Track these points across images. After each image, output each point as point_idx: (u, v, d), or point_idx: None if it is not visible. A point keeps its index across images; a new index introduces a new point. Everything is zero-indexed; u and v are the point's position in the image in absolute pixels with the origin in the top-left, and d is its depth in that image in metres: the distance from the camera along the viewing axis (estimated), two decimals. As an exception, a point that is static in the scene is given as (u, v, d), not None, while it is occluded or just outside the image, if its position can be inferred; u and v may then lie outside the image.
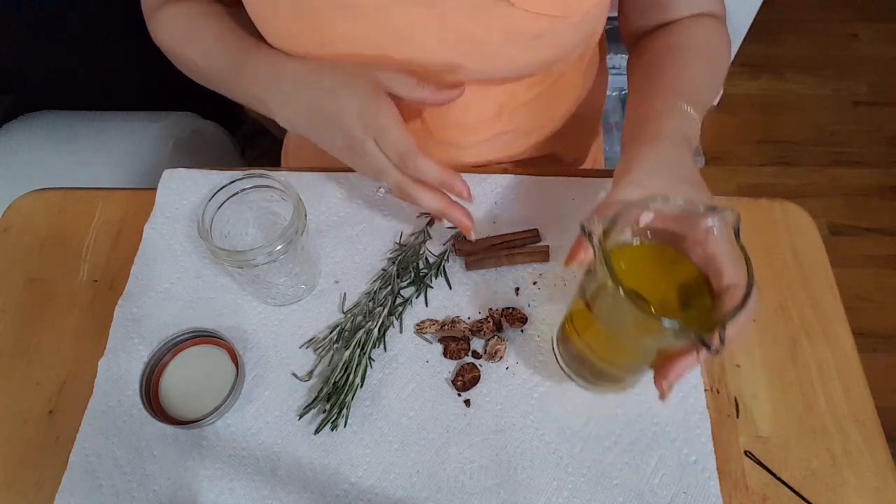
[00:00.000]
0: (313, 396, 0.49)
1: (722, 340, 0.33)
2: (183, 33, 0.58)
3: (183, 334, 0.51)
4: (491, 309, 0.53)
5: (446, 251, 0.56)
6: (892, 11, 1.92)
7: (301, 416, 0.49)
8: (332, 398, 0.49)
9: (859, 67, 1.81)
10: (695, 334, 0.33)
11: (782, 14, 1.89)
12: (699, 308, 0.40)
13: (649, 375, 0.42)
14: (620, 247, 0.41)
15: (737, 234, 0.38)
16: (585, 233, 0.38)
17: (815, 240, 0.58)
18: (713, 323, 0.34)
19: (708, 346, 0.33)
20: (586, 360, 0.46)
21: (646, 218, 0.40)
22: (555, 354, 0.50)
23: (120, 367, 0.51)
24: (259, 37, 0.54)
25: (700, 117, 0.49)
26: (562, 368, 0.49)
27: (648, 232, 0.41)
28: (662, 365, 0.40)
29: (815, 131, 1.70)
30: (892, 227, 1.53)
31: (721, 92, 0.55)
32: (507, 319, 0.52)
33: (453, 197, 0.50)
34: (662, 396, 0.40)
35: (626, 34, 0.63)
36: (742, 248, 0.37)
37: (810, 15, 1.92)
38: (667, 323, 0.34)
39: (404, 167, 0.48)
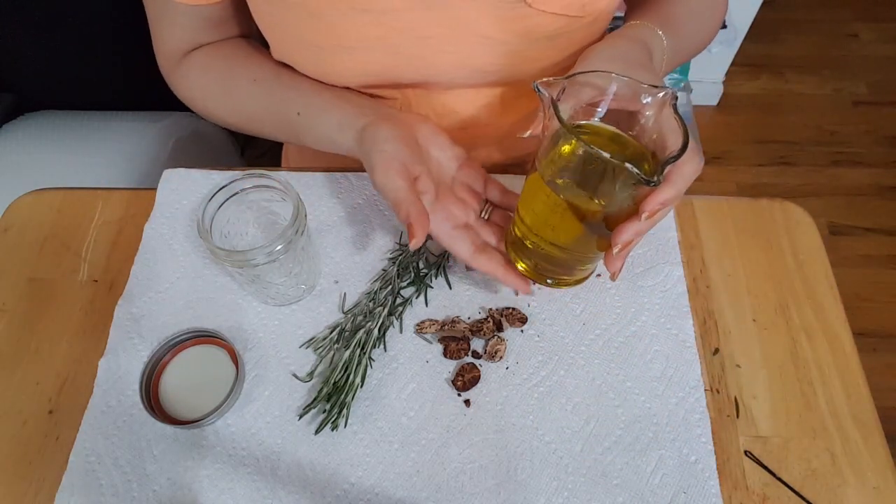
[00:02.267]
0: (313, 396, 0.49)
1: (660, 179, 0.37)
2: (216, 92, 0.57)
3: (183, 334, 0.51)
4: (491, 309, 0.53)
5: (446, 251, 0.56)
6: (892, 11, 1.92)
7: (301, 416, 0.49)
8: (333, 398, 0.49)
9: (859, 67, 1.81)
10: (637, 171, 0.36)
11: (782, 14, 1.89)
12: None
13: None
14: (572, 124, 0.44)
15: (674, 108, 0.41)
16: (539, 92, 0.40)
17: (815, 240, 0.58)
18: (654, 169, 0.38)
19: (648, 182, 0.36)
20: (538, 247, 0.47)
21: (591, 94, 0.43)
22: (511, 257, 0.50)
23: (120, 367, 0.51)
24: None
25: (671, 43, 0.51)
26: (520, 268, 0.50)
27: (600, 112, 0.44)
28: (612, 238, 0.42)
29: (815, 131, 1.70)
30: (892, 227, 1.53)
31: (710, 45, 0.57)
32: (507, 319, 0.52)
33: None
34: (613, 276, 0.45)
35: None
36: (677, 116, 0.40)
37: (810, 15, 1.92)
38: (612, 159, 0.37)
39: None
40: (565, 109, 0.42)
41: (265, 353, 0.52)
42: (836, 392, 0.50)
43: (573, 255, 0.48)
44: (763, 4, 1.48)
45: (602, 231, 0.44)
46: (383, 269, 0.56)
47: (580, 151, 0.41)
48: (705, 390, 0.50)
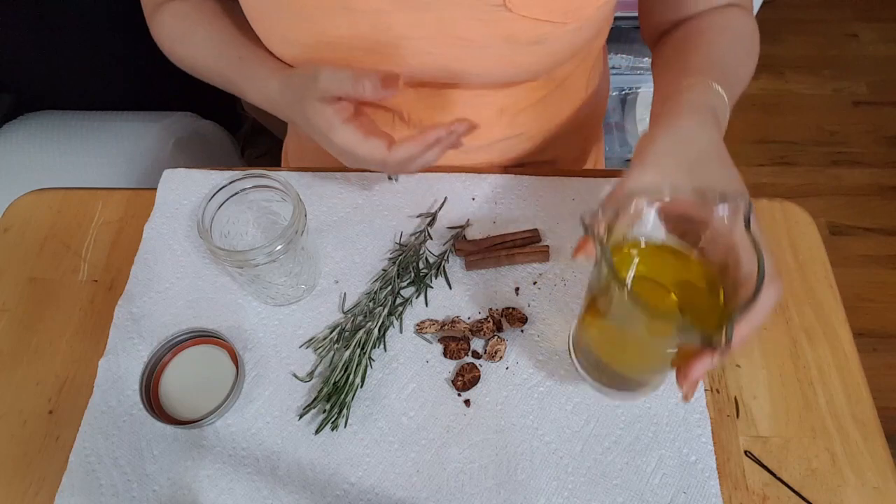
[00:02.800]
0: (313, 396, 0.49)
1: (728, 339, 0.31)
2: (181, 35, 0.58)
3: (183, 334, 0.51)
4: (491, 309, 0.53)
5: (446, 251, 0.56)
6: (892, 11, 1.92)
7: (301, 417, 0.49)
8: (333, 398, 0.49)
9: (859, 67, 1.81)
10: (699, 333, 0.32)
11: (782, 14, 1.89)
12: (710, 306, 0.38)
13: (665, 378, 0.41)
14: (628, 242, 0.39)
15: (747, 223, 0.35)
16: (586, 228, 0.35)
17: (815, 240, 0.58)
18: (720, 320, 0.32)
19: (712, 346, 0.31)
20: (601, 362, 0.44)
21: (651, 208, 0.37)
22: (572, 360, 0.48)
23: (120, 367, 0.51)
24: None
25: (728, 96, 0.45)
26: (581, 375, 0.47)
27: (665, 218, 0.38)
28: (682, 364, 0.37)
29: (815, 131, 1.70)
30: (892, 227, 1.53)
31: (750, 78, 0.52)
32: (507, 319, 0.52)
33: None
34: (685, 398, 0.38)
35: (647, 32, 0.60)
36: (753, 239, 0.35)
37: (810, 15, 1.92)
38: (668, 322, 0.34)
39: (388, 168, 0.49)
40: (619, 229, 0.37)
41: (265, 353, 0.52)
42: (836, 392, 0.50)
43: (637, 378, 0.45)
44: (763, 4, 1.48)
45: (667, 355, 0.40)
46: (383, 270, 0.56)
47: (635, 308, 0.34)
48: (705, 390, 0.50)
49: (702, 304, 0.39)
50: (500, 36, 0.49)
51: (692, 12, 0.54)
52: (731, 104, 0.46)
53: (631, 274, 0.40)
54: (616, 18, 0.61)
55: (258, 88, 0.54)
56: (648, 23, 0.59)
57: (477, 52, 0.50)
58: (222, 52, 0.56)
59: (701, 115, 0.41)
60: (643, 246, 0.40)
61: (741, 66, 0.51)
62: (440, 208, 0.59)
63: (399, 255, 0.56)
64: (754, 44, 0.54)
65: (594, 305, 0.41)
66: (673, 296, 0.40)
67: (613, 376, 0.45)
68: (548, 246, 0.56)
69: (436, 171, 0.61)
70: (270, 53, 0.54)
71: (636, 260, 0.40)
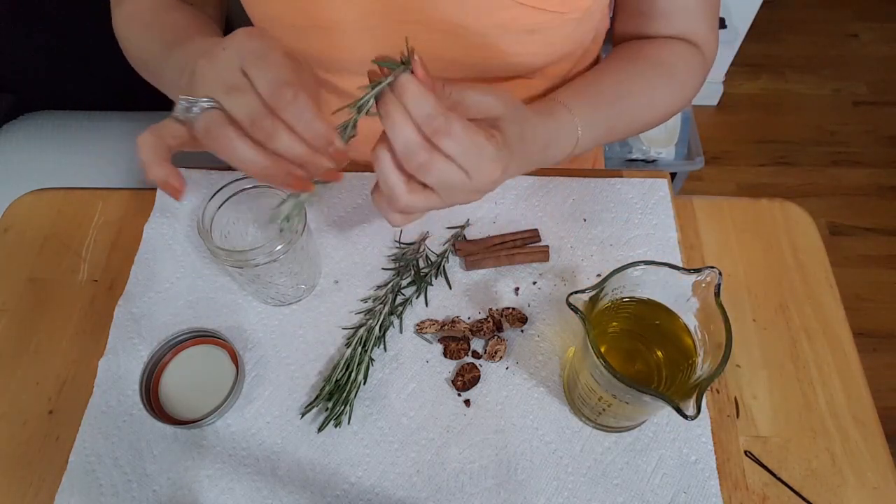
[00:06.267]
0: (315, 395, 0.49)
1: (698, 409, 0.35)
2: (139, 18, 0.54)
3: (183, 334, 0.51)
4: (491, 309, 0.53)
5: (446, 251, 0.56)
6: (892, 11, 1.92)
7: (303, 415, 0.49)
8: (335, 396, 0.49)
9: (859, 67, 1.81)
10: (672, 405, 0.35)
11: (782, 14, 1.89)
12: (684, 365, 0.42)
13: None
14: (613, 303, 0.44)
15: (717, 293, 0.39)
16: (573, 309, 0.39)
17: (815, 240, 0.58)
18: (692, 388, 0.36)
19: (685, 416, 0.35)
20: (589, 401, 0.45)
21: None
22: (566, 395, 0.50)
23: (120, 367, 0.51)
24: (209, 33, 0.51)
25: (589, 133, 0.50)
26: (572, 409, 0.49)
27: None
28: None
29: (815, 131, 1.70)
30: (892, 227, 1.53)
31: (675, 113, 0.56)
32: (507, 319, 0.52)
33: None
34: None
35: (613, 37, 0.63)
36: (721, 308, 0.39)
37: (810, 15, 1.92)
38: (645, 396, 0.37)
39: (277, 98, 0.36)
40: (607, 293, 0.42)
41: (265, 353, 0.52)
42: (836, 392, 0.50)
43: (622, 421, 0.47)
44: (763, 4, 1.48)
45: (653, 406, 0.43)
46: (383, 269, 0.56)
47: (615, 381, 0.38)
48: (705, 390, 0.50)
49: (680, 361, 0.43)
50: (494, 23, 0.48)
51: (648, 33, 0.58)
52: (606, 134, 0.53)
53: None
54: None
55: (175, 66, 0.45)
56: (615, 30, 0.62)
57: (469, 38, 0.49)
58: (163, 36, 0.50)
59: (547, 132, 0.47)
60: (633, 301, 0.44)
61: (647, 108, 0.55)
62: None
63: (399, 255, 0.56)
64: (684, 85, 0.57)
65: (581, 362, 0.44)
66: (659, 353, 0.44)
67: (600, 413, 0.46)
68: (548, 246, 0.56)
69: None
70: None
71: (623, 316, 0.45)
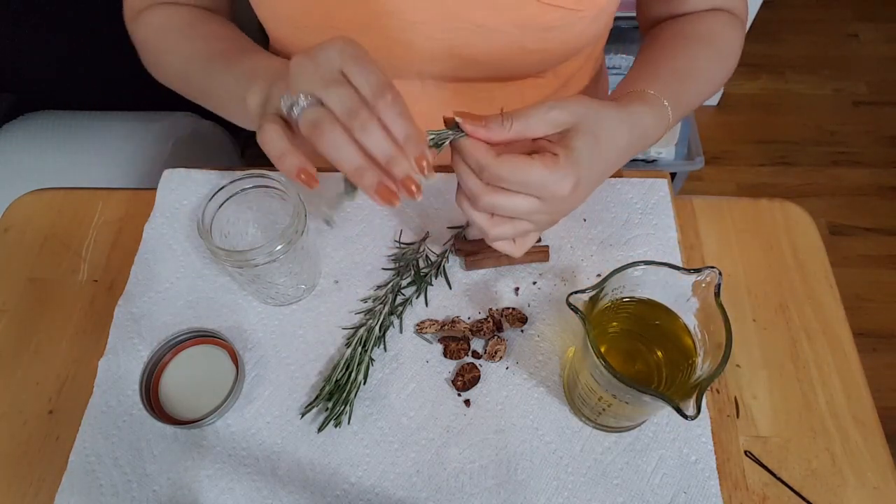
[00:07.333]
0: (315, 395, 0.49)
1: (698, 409, 0.35)
2: (177, 30, 0.55)
3: (183, 334, 0.51)
4: (491, 309, 0.53)
5: (446, 251, 0.56)
6: (892, 11, 1.92)
7: (304, 415, 0.49)
8: (335, 396, 0.49)
9: (859, 67, 1.81)
10: (672, 405, 0.36)
11: (782, 14, 1.89)
12: (684, 365, 0.42)
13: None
14: (613, 303, 0.44)
15: (717, 293, 0.39)
16: (573, 309, 0.40)
17: (815, 240, 0.58)
18: (692, 388, 0.36)
19: (685, 416, 0.35)
20: (589, 401, 0.45)
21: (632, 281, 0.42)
22: (566, 395, 0.50)
23: (120, 367, 0.51)
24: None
25: (677, 109, 0.49)
26: (572, 409, 0.49)
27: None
28: None
29: (815, 131, 1.70)
30: (892, 227, 1.53)
31: (722, 87, 0.55)
32: (507, 319, 0.52)
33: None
34: None
35: (641, 22, 0.63)
36: (721, 308, 0.39)
37: (810, 15, 1.92)
38: (645, 396, 0.37)
39: (377, 98, 0.37)
40: (607, 293, 0.42)
41: (265, 353, 0.52)
42: (836, 392, 0.50)
43: (622, 421, 0.47)
44: (763, 4, 1.48)
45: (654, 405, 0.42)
46: (383, 269, 0.56)
47: (615, 380, 0.38)
48: (705, 390, 0.50)
49: (680, 361, 0.43)
50: (512, 21, 0.49)
51: (684, 10, 0.57)
52: (684, 112, 0.51)
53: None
54: (616, 18, 0.61)
55: (230, 86, 0.47)
56: (643, 14, 0.62)
57: (487, 37, 0.50)
58: (201, 48, 0.51)
59: (635, 127, 0.45)
60: (633, 301, 0.44)
61: (707, 83, 0.55)
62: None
63: (399, 255, 0.56)
64: (730, 55, 0.58)
65: (581, 361, 0.44)
66: (659, 353, 0.44)
67: (600, 413, 0.46)
68: (548, 246, 0.56)
69: (437, 171, 0.61)
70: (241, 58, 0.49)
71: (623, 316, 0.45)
